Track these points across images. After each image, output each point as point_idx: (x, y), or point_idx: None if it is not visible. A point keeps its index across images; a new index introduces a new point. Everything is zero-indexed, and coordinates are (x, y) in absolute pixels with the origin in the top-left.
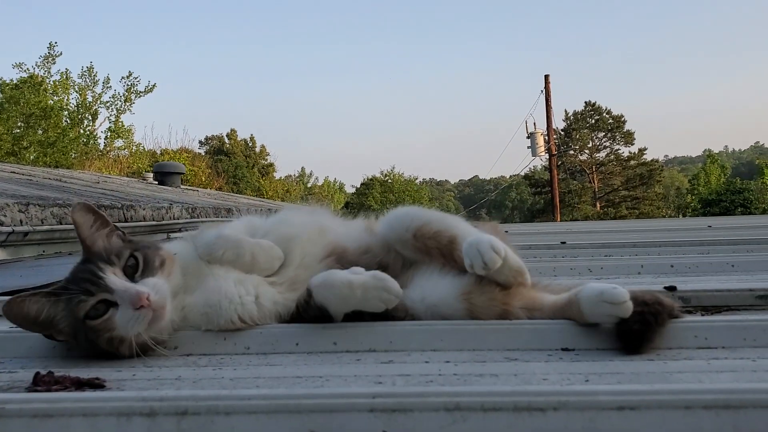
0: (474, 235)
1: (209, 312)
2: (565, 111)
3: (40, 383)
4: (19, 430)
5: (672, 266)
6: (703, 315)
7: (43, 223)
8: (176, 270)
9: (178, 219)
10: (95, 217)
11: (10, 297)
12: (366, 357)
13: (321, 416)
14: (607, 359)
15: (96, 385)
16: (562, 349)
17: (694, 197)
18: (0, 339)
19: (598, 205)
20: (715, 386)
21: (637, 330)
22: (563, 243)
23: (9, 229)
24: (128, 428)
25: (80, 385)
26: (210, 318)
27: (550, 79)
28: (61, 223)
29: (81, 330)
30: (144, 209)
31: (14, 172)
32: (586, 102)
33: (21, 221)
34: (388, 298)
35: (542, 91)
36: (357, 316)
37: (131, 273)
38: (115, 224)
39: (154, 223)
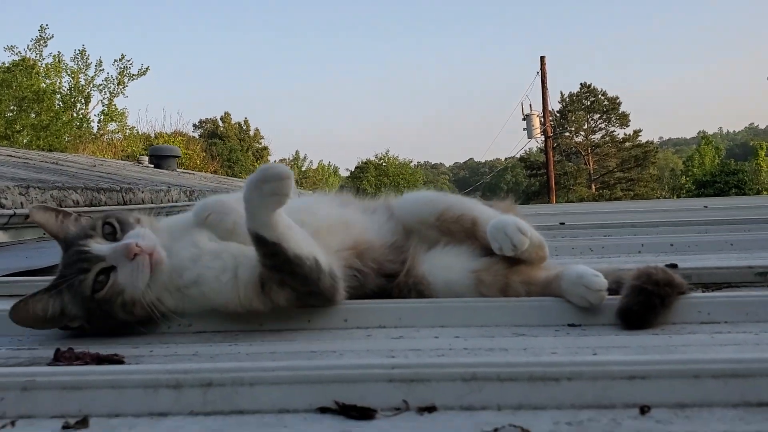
0: (497, 218)
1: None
2: (561, 93)
3: (61, 359)
4: (48, 401)
5: (671, 245)
6: (704, 292)
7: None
8: (158, 229)
9: (176, 202)
10: (56, 212)
11: (14, 304)
12: (377, 333)
13: (342, 386)
14: (613, 334)
15: (115, 360)
16: (569, 325)
17: (688, 179)
18: None
19: (593, 186)
20: (723, 356)
21: (637, 312)
22: (562, 224)
23: (11, 211)
24: (155, 399)
25: (100, 360)
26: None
27: (546, 60)
28: (60, 206)
29: (94, 308)
30: (142, 192)
31: (10, 156)
32: (581, 84)
33: (22, 204)
34: (279, 185)
35: (538, 72)
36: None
37: (112, 238)
38: (78, 213)
39: (153, 205)
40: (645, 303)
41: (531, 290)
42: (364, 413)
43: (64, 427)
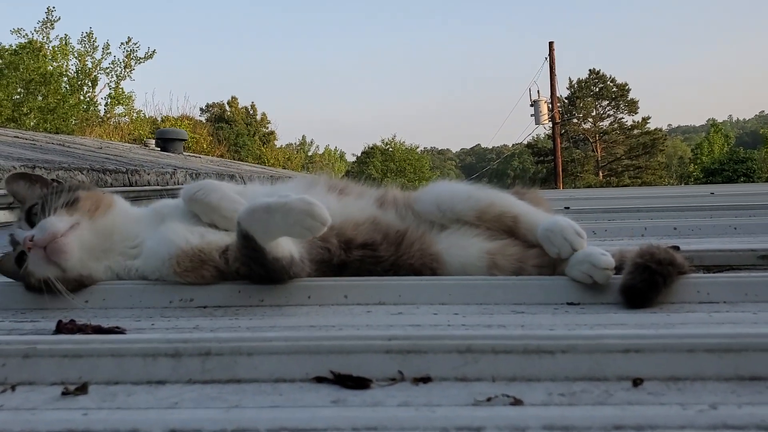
0: (549, 220)
1: (152, 258)
2: (569, 79)
3: (63, 330)
4: (48, 368)
5: (675, 228)
6: (705, 273)
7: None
8: (108, 212)
9: (181, 184)
10: (26, 180)
11: None
12: (376, 309)
13: (339, 357)
14: (611, 312)
15: (117, 332)
16: (568, 303)
17: (696, 166)
18: (22, 292)
19: (600, 174)
20: (718, 331)
21: (641, 289)
22: (567, 208)
23: None
24: (154, 368)
25: (101, 332)
26: (154, 264)
27: (555, 46)
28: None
29: (20, 276)
30: (149, 174)
31: (17, 137)
32: (590, 70)
33: None
34: (312, 224)
35: (546, 58)
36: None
37: (35, 220)
38: (54, 178)
39: (159, 187)
40: (649, 281)
41: (542, 273)
42: (360, 383)
43: (63, 393)
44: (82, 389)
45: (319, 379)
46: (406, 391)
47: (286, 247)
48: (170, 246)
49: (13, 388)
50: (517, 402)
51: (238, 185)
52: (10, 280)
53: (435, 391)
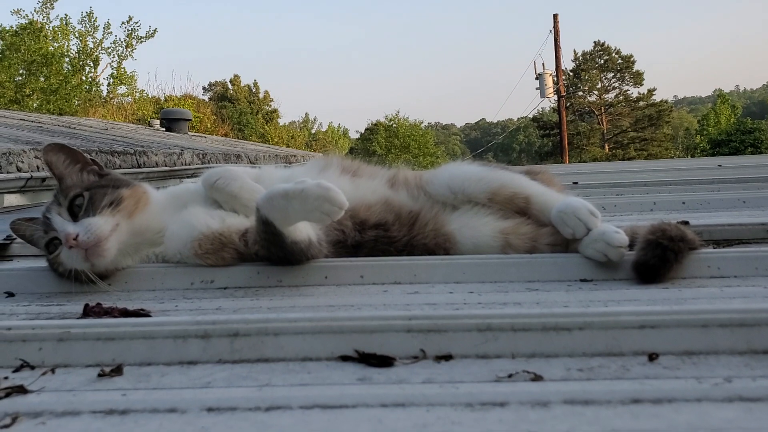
0: (563, 202)
1: (175, 241)
2: (574, 51)
3: (90, 313)
4: (83, 351)
5: (683, 203)
6: (715, 248)
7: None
8: (145, 210)
9: (189, 165)
10: (66, 154)
11: (13, 220)
12: (392, 288)
13: (362, 336)
14: (624, 288)
15: (142, 314)
16: (581, 280)
17: (703, 138)
18: (45, 275)
19: (606, 147)
20: (731, 306)
21: (654, 265)
22: (575, 183)
23: (27, 174)
24: (185, 349)
25: (127, 315)
26: (176, 247)
27: (559, 18)
28: None
29: (46, 258)
30: (156, 155)
31: (23, 120)
32: (595, 42)
33: (38, 167)
34: (330, 209)
35: (551, 30)
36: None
37: (78, 212)
38: (93, 159)
39: (166, 168)
40: (661, 257)
41: (555, 251)
42: (384, 361)
43: (99, 375)
44: (117, 371)
45: (344, 358)
46: (429, 369)
47: (304, 230)
48: (192, 230)
49: (53, 370)
50: (537, 378)
51: (254, 169)
52: (28, 264)
53: (457, 369)
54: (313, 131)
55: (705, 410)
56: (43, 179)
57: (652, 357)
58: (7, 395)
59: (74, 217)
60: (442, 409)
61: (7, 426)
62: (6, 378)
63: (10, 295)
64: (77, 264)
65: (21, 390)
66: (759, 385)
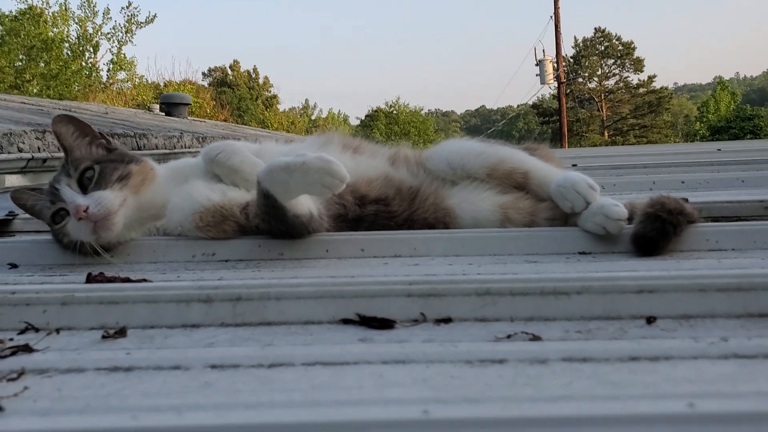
0: (562, 176)
1: (176, 214)
2: (575, 38)
3: (93, 282)
4: (86, 314)
5: (683, 182)
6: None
7: (59, 150)
8: (151, 185)
9: (189, 147)
10: (75, 126)
11: (15, 189)
12: (393, 261)
13: (363, 300)
14: (622, 260)
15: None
16: (580, 253)
17: (703, 125)
18: (48, 247)
19: (606, 133)
20: (728, 271)
21: (652, 238)
22: (574, 165)
23: (29, 155)
24: (187, 312)
25: (130, 283)
26: (177, 220)
27: (560, 4)
28: None
29: (52, 229)
30: (156, 138)
31: (24, 103)
32: (595, 28)
33: (39, 148)
34: (331, 182)
35: (551, 17)
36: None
37: (87, 184)
38: (101, 133)
39: (166, 151)
40: (660, 229)
41: (554, 225)
42: (384, 323)
43: (103, 336)
44: (121, 333)
45: (346, 321)
46: (429, 331)
47: (306, 204)
48: (193, 203)
49: (57, 331)
50: (535, 338)
51: (255, 144)
52: (32, 236)
53: (456, 330)
54: (313, 117)
55: (701, 366)
56: (44, 160)
57: (650, 320)
58: (13, 353)
59: (83, 189)
60: (442, 366)
61: (13, 380)
62: (11, 339)
63: (14, 266)
64: (84, 236)
65: (26, 349)
66: (754, 343)
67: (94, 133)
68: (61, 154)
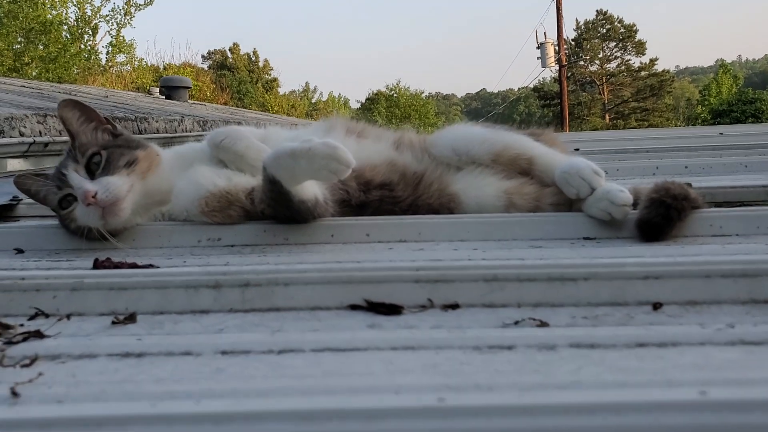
0: (567, 162)
1: (182, 199)
2: (576, 20)
3: (100, 267)
4: (96, 300)
5: (686, 167)
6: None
7: (61, 134)
8: (157, 171)
9: (190, 131)
10: (81, 111)
11: (19, 174)
12: (398, 246)
13: (370, 286)
14: (627, 246)
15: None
16: (584, 238)
17: (704, 108)
18: (53, 233)
19: (607, 117)
20: (733, 257)
21: (657, 223)
22: (576, 150)
23: (30, 139)
24: (197, 298)
25: (137, 269)
26: (183, 205)
27: None
28: None
29: (59, 215)
30: (157, 122)
31: (24, 86)
32: (597, 11)
33: (40, 132)
34: (337, 167)
35: None
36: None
37: (95, 170)
38: (107, 118)
39: (167, 135)
40: (665, 215)
41: (559, 210)
42: (392, 309)
43: (113, 322)
44: (130, 318)
45: (354, 307)
46: (437, 317)
47: (311, 189)
48: (199, 188)
49: (68, 317)
50: (543, 324)
51: (260, 129)
52: (37, 220)
53: (464, 316)
54: (313, 101)
55: (708, 352)
56: (46, 144)
57: (656, 306)
58: (25, 339)
59: (91, 174)
60: (451, 352)
61: (27, 366)
62: (21, 325)
63: (20, 251)
64: (92, 221)
65: (38, 335)
66: (760, 330)
67: (99, 119)
68: (63, 138)
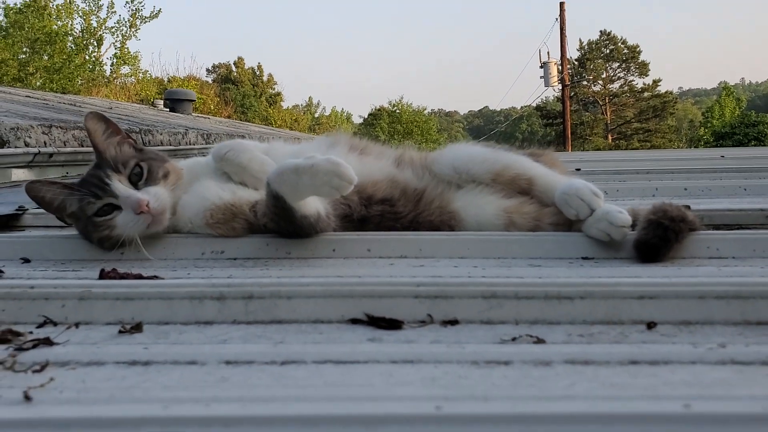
0: (566, 183)
1: (187, 211)
2: (580, 40)
3: (106, 278)
4: (103, 309)
5: (685, 189)
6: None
7: (66, 145)
8: (182, 183)
9: (193, 144)
10: (107, 125)
11: (33, 180)
12: (399, 262)
13: (371, 301)
14: (624, 266)
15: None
16: (583, 258)
17: (707, 130)
18: (60, 242)
19: (609, 137)
20: (727, 279)
21: (654, 245)
22: (578, 170)
23: (35, 150)
24: (201, 310)
25: (143, 280)
26: (187, 217)
27: (566, 6)
28: (82, 146)
29: (85, 223)
30: (161, 134)
31: (29, 96)
32: (601, 31)
33: (45, 143)
34: (340, 184)
35: (557, 19)
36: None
37: (136, 181)
38: (127, 132)
39: (171, 147)
40: (662, 236)
41: (558, 230)
42: (392, 324)
43: (120, 331)
44: (137, 328)
45: (354, 321)
46: (436, 332)
47: (314, 204)
48: (204, 201)
49: (76, 325)
50: (539, 341)
51: (264, 143)
52: (42, 230)
53: (463, 332)
54: (316, 115)
55: (699, 371)
56: (50, 155)
57: (651, 325)
58: (35, 346)
59: (133, 185)
60: (450, 366)
61: (38, 371)
62: (31, 332)
63: (26, 261)
64: (137, 230)
65: (47, 342)
66: (752, 350)
67: (122, 132)
68: (68, 149)
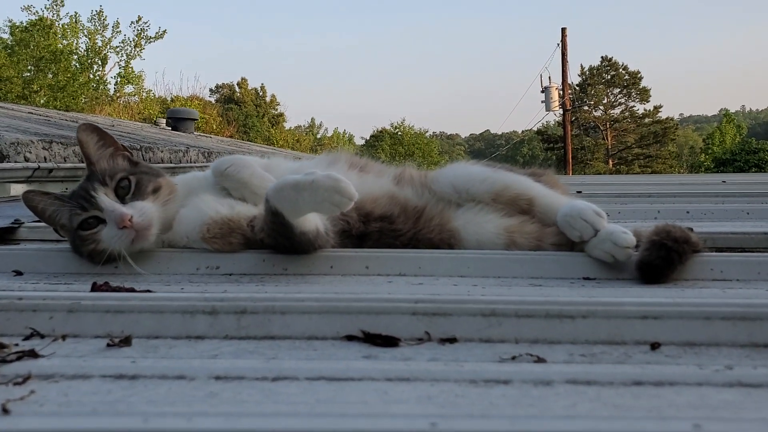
0: (568, 205)
1: (184, 225)
2: (581, 66)
3: (98, 291)
4: (92, 322)
5: (688, 212)
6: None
7: (66, 161)
8: (176, 198)
9: (194, 162)
10: (100, 136)
11: (30, 189)
12: (397, 279)
13: (368, 318)
14: (627, 287)
15: None
16: (584, 278)
17: (707, 156)
18: (53, 256)
19: (610, 162)
20: (733, 301)
21: (657, 266)
22: (579, 192)
23: (35, 165)
24: (192, 324)
25: (134, 293)
26: (184, 231)
27: (567, 32)
28: (82, 162)
29: (73, 236)
30: (162, 152)
31: (31, 113)
32: (602, 57)
33: (45, 158)
34: (340, 200)
35: (558, 44)
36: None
37: (123, 194)
38: (123, 144)
39: (172, 165)
40: (665, 257)
41: (560, 251)
42: (389, 341)
43: (108, 345)
44: (125, 341)
45: (350, 338)
46: (434, 350)
47: (313, 221)
48: (202, 215)
49: (63, 337)
50: (540, 360)
51: (264, 159)
52: (37, 244)
53: (461, 350)
54: (318, 136)
55: (705, 393)
56: (50, 170)
57: (654, 346)
58: (19, 358)
59: (119, 199)
60: (447, 384)
61: (19, 384)
62: (16, 344)
63: (19, 273)
64: (121, 245)
65: (32, 354)
66: (759, 372)
67: (116, 145)
68: (68, 165)
